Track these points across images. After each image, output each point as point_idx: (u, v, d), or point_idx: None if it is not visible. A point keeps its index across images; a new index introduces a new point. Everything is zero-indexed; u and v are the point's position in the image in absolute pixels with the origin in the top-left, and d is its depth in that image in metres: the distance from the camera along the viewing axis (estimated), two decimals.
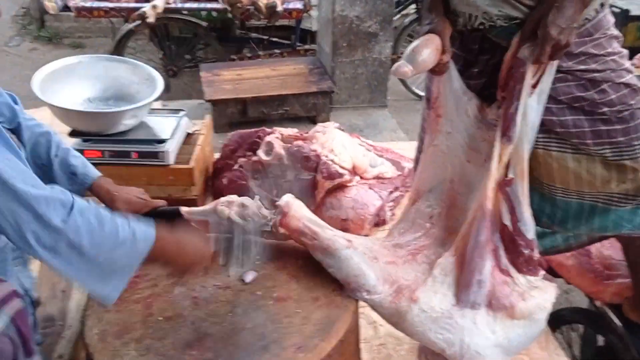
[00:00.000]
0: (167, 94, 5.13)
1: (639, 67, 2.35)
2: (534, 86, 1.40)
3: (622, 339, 1.84)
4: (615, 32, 1.48)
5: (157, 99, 2.61)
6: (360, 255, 1.47)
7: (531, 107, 1.41)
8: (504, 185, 1.45)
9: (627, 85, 1.46)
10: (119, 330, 1.37)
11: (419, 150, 1.77)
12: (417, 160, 1.79)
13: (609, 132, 1.47)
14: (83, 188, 1.54)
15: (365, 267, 1.46)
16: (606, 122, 1.46)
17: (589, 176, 1.51)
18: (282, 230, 1.49)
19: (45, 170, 1.51)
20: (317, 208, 2.59)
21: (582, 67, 1.43)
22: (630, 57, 2.40)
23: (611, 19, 1.47)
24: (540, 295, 1.53)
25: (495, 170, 1.42)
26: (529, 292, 1.51)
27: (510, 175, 1.44)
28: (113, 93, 2.64)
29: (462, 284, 1.47)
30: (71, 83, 2.58)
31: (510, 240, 1.49)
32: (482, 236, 1.45)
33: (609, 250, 1.84)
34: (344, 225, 2.54)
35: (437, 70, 1.46)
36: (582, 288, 2.01)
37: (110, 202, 1.54)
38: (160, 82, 2.58)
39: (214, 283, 1.51)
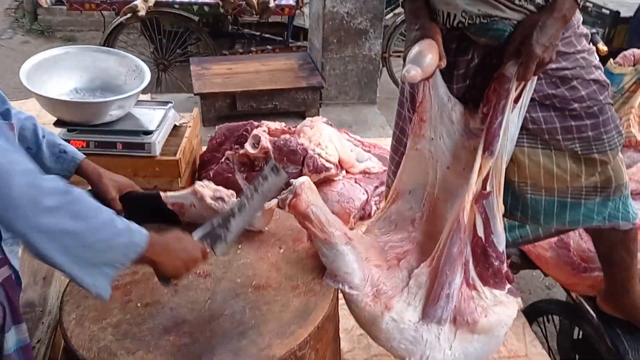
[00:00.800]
0: (158, 88, 5.14)
1: (622, 66, 2.37)
2: (516, 101, 1.42)
3: (597, 330, 1.86)
4: (585, 30, 1.51)
5: (145, 92, 2.61)
6: (356, 254, 1.48)
7: (512, 122, 1.44)
8: (481, 198, 1.47)
9: (596, 81, 1.50)
10: (97, 316, 1.38)
11: (396, 151, 1.77)
12: (393, 160, 1.80)
13: (578, 127, 1.50)
14: (73, 165, 1.51)
15: (357, 267, 1.47)
16: (576, 118, 1.50)
17: (559, 171, 1.54)
18: (290, 210, 1.47)
19: (31, 154, 1.50)
20: None
21: (554, 65, 1.45)
22: (614, 57, 2.44)
23: (580, 17, 1.50)
24: (502, 312, 1.55)
25: (474, 184, 1.44)
26: (493, 307, 1.54)
27: (488, 189, 1.46)
28: (100, 84, 2.65)
29: (432, 297, 1.49)
30: (58, 73, 2.58)
31: (482, 252, 1.51)
32: (455, 248, 1.46)
33: (588, 243, 1.86)
34: None
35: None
36: (558, 280, 2.04)
37: (97, 179, 1.52)
38: (147, 74, 2.59)
39: (194, 271, 1.51)
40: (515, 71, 1.37)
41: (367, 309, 1.49)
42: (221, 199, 1.53)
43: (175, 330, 1.33)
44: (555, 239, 1.98)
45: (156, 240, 1.22)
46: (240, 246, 1.60)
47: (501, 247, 1.52)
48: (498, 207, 1.48)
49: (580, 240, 1.89)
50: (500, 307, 1.55)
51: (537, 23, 1.35)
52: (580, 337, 2.18)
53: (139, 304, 1.41)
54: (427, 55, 1.36)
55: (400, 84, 1.69)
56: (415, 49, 1.39)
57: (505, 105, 1.39)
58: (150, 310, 1.39)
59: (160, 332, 1.33)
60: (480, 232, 1.49)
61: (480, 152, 1.43)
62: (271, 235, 1.65)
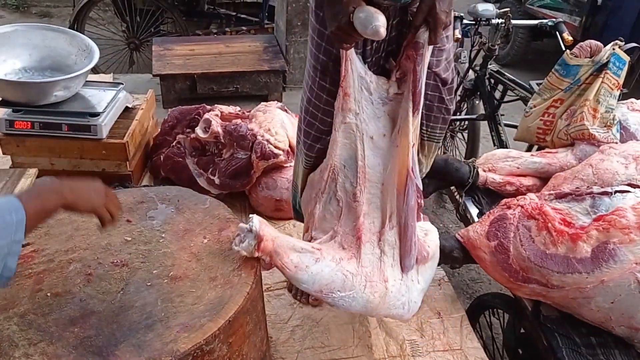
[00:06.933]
0: (131, 68, 5.06)
1: (579, 57, 2.33)
2: None
3: (533, 326, 1.85)
4: None
5: (93, 69, 2.56)
6: (328, 264, 1.59)
7: (424, 81, 1.60)
8: None
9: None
10: (5, 305, 1.34)
11: (311, 126, 1.74)
12: (309, 136, 1.76)
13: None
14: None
15: (333, 274, 1.59)
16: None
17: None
18: (260, 254, 1.50)
19: None
20: (252, 188, 2.57)
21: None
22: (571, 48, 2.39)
23: None
24: (433, 238, 1.83)
25: (412, 140, 1.59)
26: (426, 238, 1.80)
27: (411, 142, 1.60)
28: (50, 63, 2.60)
29: (404, 250, 1.67)
30: (7, 52, 2.52)
31: None
32: (412, 200, 1.63)
33: (528, 251, 1.80)
34: (278, 206, 2.52)
35: (347, 45, 1.49)
36: (498, 282, 2.01)
37: None
38: (96, 54, 2.53)
39: (111, 260, 1.48)
40: (426, 37, 1.52)
41: (372, 296, 1.63)
42: None
43: (82, 322, 1.30)
44: (494, 243, 1.93)
45: (54, 187, 1.21)
46: (163, 235, 1.56)
47: (420, 185, 1.70)
48: (416, 155, 1.68)
49: (520, 248, 1.80)
50: (430, 235, 1.82)
51: None
52: (523, 331, 2.17)
53: (49, 294, 1.38)
54: (379, 13, 1.40)
55: (312, 56, 1.68)
56: (362, 13, 1.42)
57: (423, 68, 1.56)
58: (59, 300, 1.36)
59: (65, 324, 1.30)
60: None
61: (410, 113, 1.58)
62: (197, 224, 1.61)
